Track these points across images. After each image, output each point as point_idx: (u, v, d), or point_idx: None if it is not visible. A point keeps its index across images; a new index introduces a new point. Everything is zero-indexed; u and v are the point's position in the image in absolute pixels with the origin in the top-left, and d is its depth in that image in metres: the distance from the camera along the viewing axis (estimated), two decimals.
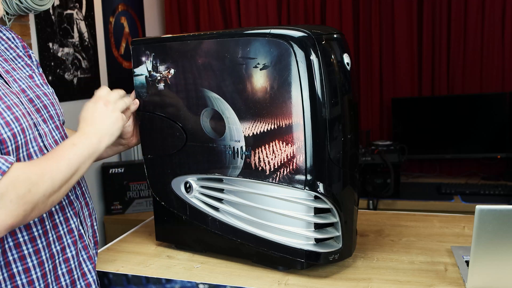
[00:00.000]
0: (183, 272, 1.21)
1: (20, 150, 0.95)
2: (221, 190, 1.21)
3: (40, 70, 1.17)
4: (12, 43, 1.14)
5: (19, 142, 0.94)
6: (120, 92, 1.16)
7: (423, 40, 2.82)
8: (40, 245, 1.00)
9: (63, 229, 1.05)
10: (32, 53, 1.17)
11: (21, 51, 1.14)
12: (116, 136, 1.10)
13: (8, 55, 1.10)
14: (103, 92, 1.13)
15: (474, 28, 2.72)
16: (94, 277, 1.13)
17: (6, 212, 0.84)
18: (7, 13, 1.99)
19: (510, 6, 2.65)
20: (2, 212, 0.83)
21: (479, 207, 0.98)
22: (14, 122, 0.94)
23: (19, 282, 0.97)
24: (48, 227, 1.02)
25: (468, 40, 2.74)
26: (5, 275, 0.96)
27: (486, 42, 2.72)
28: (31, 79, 1.09)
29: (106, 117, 1.08)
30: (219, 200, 1.22)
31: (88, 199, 1.17)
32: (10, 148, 0.92)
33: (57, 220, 1.04)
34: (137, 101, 1.27)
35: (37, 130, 1.02)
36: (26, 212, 0.87)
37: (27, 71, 1.11)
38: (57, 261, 1.04)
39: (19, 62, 1.11)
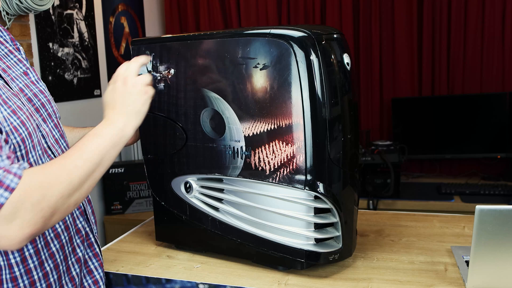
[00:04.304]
0: (183, 272, 1.21)
1: (30, 155, 0.93)
2: (221, 190, 1.21)
3: (28, 63, 1.13)
4: (1, 37, 1.10)
5: (28, 147, 0.92)
6: (140, 60, 1.07)
7: (423, 40, 2.81)
8: (54, 248, 1.00)
9: (72, 229, 1.05)
10: (19, 45, 1.13)
11: (10, 45, 1.10)
12: (145, 111, 1.00)
13: (0, 52, 1.07)
14: (121, 69, 1.04)
15: (474, 28, 2.72)
16: (101, 274, 1.13)
17: (23, 222, 0.80)
18: (7, 13, 1.99)
19: (510, 6, 2.65)
20: (19, 222, 0.80)
21: (479, 207, 0.98)
22: (21, 126, 0.92)
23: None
24: (59, 229, 1.01)
25: (468, 40, 2.74)
26: (26, 282, 0.95)
27: (486, 42, 2.72)
28: (27, 76, 1.07)
29: (127, 96, 0.99)
30: (219, 200, 1.22)
31: (89, 196, 1.17)
32: (19, 153, 0.90)
33: (68, 222, 1.04)
34: None
35: (40, 131, 1.00)
36: (45, 217, 0.83)
37: (21, 68, 1.08)
38: (69, 262, 1.04)
39: (11, 59, 1.08)
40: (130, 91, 1.00)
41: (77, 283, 1.06)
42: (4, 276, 0.93)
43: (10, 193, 0.79)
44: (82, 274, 1.08)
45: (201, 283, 1.15)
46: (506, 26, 2.67)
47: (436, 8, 2.77)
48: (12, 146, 0.89)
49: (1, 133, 0.87)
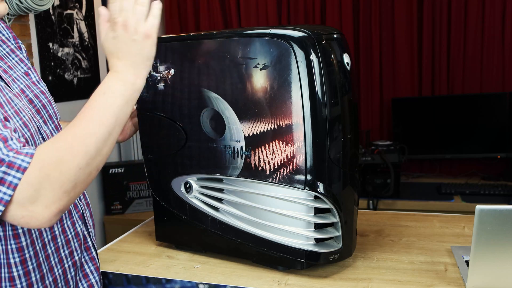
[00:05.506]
0: (183, 272, 1.21)
1: None
2: (221, 190, 1.21)
3: (29, 62, 1.11)
4: (3, 35, 1.07)
5: None
6: (144, 2, 0.90)
7: (423, 40, 2.81)
8: (50, 251, 0.99)
9: (70, 233, 1.05)
10: (21, 43, 1.11)
11: (12, 43, 1.08)
12: (152, 57, 0.91)
13: (1, 52, 1.05)
14: (115, 12, 0.89)
15: (474, 28, 2.72)
16: (97, 278, 1.12)
17: (46, 201, 0.79)
18: (7, 13, 1.99)
19: (510, 6, 2.65)
20: (43, 201, 0.79)
21: (479, 207, 0.98)
22: (23, 128, 0.91)
23: None
24: (57, 232, 1.01)
25: (468, 40, 2.74)
26: (24, 284, 0.95)
27: (486, 42, 2.72)
28: (28, 77, 1.05)
29: (132, 44, 0.88)
30: (219, 200, 1.22)
31: (88, 199, 1.17)
32: None
33: (66, 225, 1.03)
34: None
35: (40, 133, 0.99)
36: (68, 191, 0.80)
37: (22, 68, 1.06)
38: (66, 265, 1.03)
39: (13, 58, 1.06)
40: (133, 38, 0.89)
41: (72, 287, 1.05)
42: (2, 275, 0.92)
43: (22, 173, 0.77)
44: (78, 277, 1.08)
45: (201, 283, 1.15)
46: (506, 26, 2.67)
47: (436, 8, 2.77)
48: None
49: (8, 121, 0.86)
